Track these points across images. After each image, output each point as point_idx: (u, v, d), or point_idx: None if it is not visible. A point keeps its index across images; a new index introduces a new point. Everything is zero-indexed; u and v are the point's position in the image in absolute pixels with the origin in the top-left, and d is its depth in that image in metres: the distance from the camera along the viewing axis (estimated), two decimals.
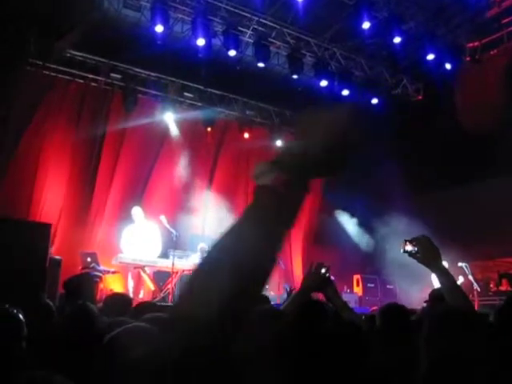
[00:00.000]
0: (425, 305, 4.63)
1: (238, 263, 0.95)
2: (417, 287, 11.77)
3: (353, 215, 14.91)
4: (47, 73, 11.69)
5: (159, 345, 0.96)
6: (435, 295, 3.87)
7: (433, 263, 3.06)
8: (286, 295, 6.11)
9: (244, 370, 2.13)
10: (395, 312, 3.53)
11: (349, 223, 15.04)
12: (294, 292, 4.72)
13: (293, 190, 1.05)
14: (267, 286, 12.19)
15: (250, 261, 0.96)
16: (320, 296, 4.17)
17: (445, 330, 2.41)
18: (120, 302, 4.13)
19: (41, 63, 10.96)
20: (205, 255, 1.00)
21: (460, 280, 9.71)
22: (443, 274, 3.04)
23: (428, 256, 3.06)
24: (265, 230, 0.99)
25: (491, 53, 12.50)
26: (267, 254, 1.00)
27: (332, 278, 4.02)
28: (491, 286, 11.44)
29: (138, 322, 2.27)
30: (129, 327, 1.94)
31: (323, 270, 3.93)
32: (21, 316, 2.54)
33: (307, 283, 3.84)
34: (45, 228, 7.07)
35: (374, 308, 8.51)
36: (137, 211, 10.85)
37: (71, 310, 3.91)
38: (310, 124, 1.07)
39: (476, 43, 12.64)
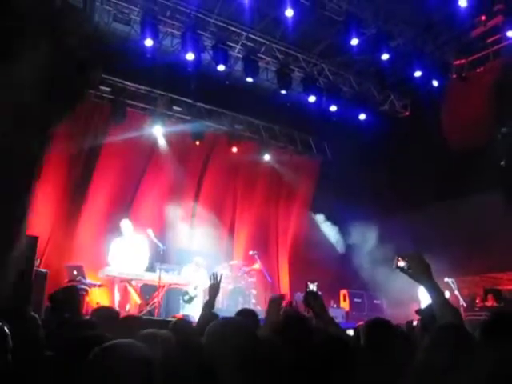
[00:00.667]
0: (412, 320, 4.67)
1: None
2: (404, 302, 11.83)
3: (336, 225, 14.97)
4: None
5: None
6: (425, 313, 3.91)
7: (424, 279, 3.13)
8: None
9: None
10: (379, 327, 3.56)
11: (331, 232, 15.12)
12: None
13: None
14: (254, 301, 12.17)
15: None
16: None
17: (446, 343, 2.45)
18: (107, 315, 4.11)
19: None
20: None
21: (446, 295, 9.73)
22: (434, 290, 3.10)
23: (419, 272, 3.12)
24: None
25: (477, 70, 12.65)
26: None
27: (319, 292, 4.08)
28: (477, 301, 11.47)
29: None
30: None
31: (311, 286, 4.04)
32: (6, 329, 2.53)
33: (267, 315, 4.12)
34: (31, 240, 7.03)
35: (360, 323, 8.51)
36: (126, 224, 10.80)
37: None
38: None
39: (463, 61, 12.80)
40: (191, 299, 11.14)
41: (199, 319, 4.38)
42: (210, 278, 4.61)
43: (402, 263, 3.14)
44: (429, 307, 3.61)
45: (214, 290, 4.62)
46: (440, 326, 2.73)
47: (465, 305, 10.61)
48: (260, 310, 11.55)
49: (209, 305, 4.51)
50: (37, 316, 3.55)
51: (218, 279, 4.59)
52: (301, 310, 5.09)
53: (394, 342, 3.29)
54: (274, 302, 4.23)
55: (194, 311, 10.37)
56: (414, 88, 12.98)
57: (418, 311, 4.21)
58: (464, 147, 11.66)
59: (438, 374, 2.37)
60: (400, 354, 3.04)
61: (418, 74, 12.42)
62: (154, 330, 3.10)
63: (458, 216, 11.92)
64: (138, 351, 1.89)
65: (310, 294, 4.12)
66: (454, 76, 12.84)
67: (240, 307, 11.69)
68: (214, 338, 2.25)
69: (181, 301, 11.12)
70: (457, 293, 10.42)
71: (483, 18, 11.46)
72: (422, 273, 3.12)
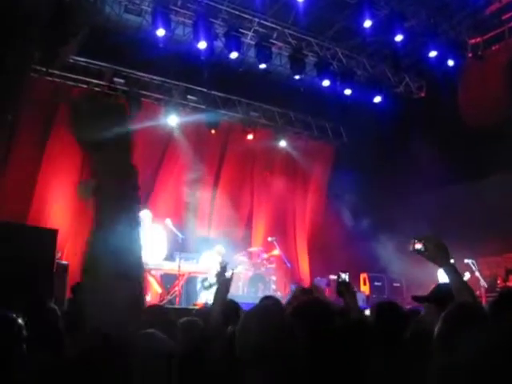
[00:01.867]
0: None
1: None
2: (424, 285, 11.78)
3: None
4: (50, 78, 11.75)
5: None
6: (441, 292, 3.87)
7: (442, 261, 3.10)
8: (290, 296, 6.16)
9: (242, 369, 2.16)
10: (387, 310, 3.58)
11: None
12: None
13: None
14: (274, 287, 12.22)
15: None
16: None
17: (462, 328, 2.44)
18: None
19: (44, 69, 11.02)
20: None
21: (466, 276, 9.69)
22: (452, 272, 3.08)
23: (437, 254, 3.09)
24: None
25: (493, 48, 12.48)
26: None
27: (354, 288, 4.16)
28: (498, 282, 11.40)
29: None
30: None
31: (343, 276, 4.12)
32: (20, 320, 2.58)
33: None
34: (51, 233, 7.12)
35: None
36: (145, 214, 10.87)
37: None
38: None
39: (478, 39, 12.63)
40: (210, 286, 11.18)
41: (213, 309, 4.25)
42: (220, 267, 4.39)
43: (418, 245, 3.10)
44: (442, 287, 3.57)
45: (223, 281, 4.39)
46: (455, 303, 2.71)
47: (486, 285, 10.55)
48: (280, 295, 11.61)
49: (219, 296, 4.32)
50: (56, 308, 3.60)
51: (229, 274, 4.34)
52: (320, 294, 5.12)
53: (399, 322, 3.30)
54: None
55: (212, 298, 10.43)
56: (429, 69, 12.84)
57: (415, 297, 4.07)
58: (481, 127, 11.56)
59: (449, 350, 2.37)
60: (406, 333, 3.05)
61: (432, 54, 12.28)
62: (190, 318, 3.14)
63: (475, 197, 11.82)
64: (160, 343, 1.92)
65: (342, 284, 4.20)
66: (470, 55, 12.69)
67: (260, 294, 11.78)
68: (249, 324, 2.25)
69: (198, 287, 11.18)
70: (477, 274, 10.36)
71: None
72: (439, 255, 3.08)
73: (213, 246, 11.73)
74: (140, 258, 1.08)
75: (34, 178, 11.79)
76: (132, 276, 1.04)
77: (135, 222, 1.06)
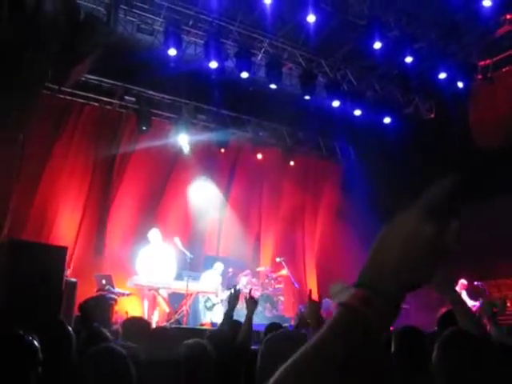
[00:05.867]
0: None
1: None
2: (431, 307, 11.68)
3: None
4: (62, 96, 11.85)
5: None
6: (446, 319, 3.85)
7: (447, 292, 3.13)
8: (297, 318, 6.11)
9: None
10: (410, 335, 3.54)
11: None
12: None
13: (375, 307, 0.91)
14: (281, 307, 12.17)
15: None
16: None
17: (452, 355, 2.43)
18: (138, 326, 4.16)
19: (57, 87, 11.12)
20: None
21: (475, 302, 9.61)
22: (457, 303, 3.11)
23: (443, 286, 3.10)
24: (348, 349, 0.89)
25: (503, 70, 12.49)
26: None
27: None
28: (509, 304, 11.30)
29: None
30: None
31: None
32: (36, 343, 2.57)
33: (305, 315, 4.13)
34: (61, 251, 7.14)
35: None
36: (154, 233, 10.88)
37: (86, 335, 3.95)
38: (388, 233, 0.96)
39: (487, 61, 12.63)
40: (213, 306, 11.18)
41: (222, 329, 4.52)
42: (231, 291, 4.95)
43: None
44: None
45: (232, 301, 5.18)
46: (450, 330, 2.69)
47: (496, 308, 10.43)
48: (287, 317, 11.56)
49: (227, 316, 5.01)
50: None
51: (236, 293, 5.20)
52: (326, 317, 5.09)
53: (423, 351, 3.26)
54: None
55: (215, 318, 10.43)
56: (438, 90, 12.85)
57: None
58: (491, 148, 11.54)
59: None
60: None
61: (442, 75, 12.31)
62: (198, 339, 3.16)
63: (484, 219, 11.76)
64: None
65: None
66: (479, 77, 12.70)
67: (268, 314, 11.75)
68: (272, 350, 2.26)
69: (201, 307, 11.17)
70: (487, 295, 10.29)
71: (508, 16, 11.32)
72: (444, 285, 3.11)
73: (213, 265, 11.77)
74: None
75: (45, 195, 11.84)
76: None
77: None
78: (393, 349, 3.44)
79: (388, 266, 0.92)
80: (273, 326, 4.74)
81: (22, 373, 2.42)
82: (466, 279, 10.24)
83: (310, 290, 4.21)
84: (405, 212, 0.98)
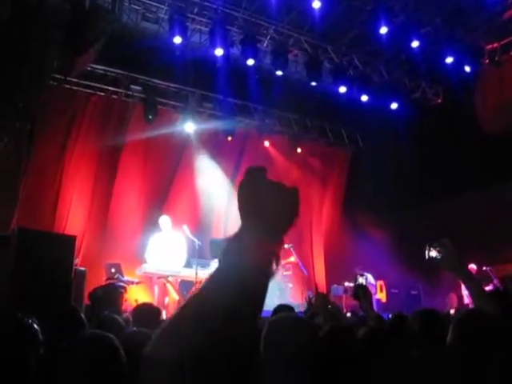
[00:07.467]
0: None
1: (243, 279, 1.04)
2: (441, 293, 11.71)
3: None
4: (68, 86, 11.86)
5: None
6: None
7: (458, 269, 2.99)
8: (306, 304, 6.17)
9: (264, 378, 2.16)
10: (433, 317, 3.52)
11: None
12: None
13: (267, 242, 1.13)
14: (290, 294, 12.20)
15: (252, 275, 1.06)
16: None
17: (466, 336, 2.41)
18: (149, 312, 4.18)
19: (63, 77, 11.12)
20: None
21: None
22: (469, 280, 2.99)
23: (453, 261, 2.96)
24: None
25: (510, 54, 12.40)
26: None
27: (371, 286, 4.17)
28: None
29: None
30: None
31: (360, 280, 4.17)
32: (35, 325, 2.60)
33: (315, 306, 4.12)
34: (70, 240, 7.17)
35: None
36: (164, 220, 10.90)
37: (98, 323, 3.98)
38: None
39: (495, 45, 12.54)
40: None
41: None
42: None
43: (433, 253, 2.95)
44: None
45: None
46: (465, 312, 2.68)
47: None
48: (295, 303, 11.58)
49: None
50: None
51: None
52: (333, 303, 5.13)
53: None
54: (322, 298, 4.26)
55: None
56: (445, 75, 12.76)
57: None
58: (499, 133, 11.48)
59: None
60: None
61: (449, 60, 12.23)
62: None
63: (491, 205, 11.74)
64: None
65: (359, 288, 4.18)
66: (487, 61, 12.61)
67: (277, 301, 11.77)
68: (274, 330, 2.26)
69: None
70: (496, 281, 10.28)
71: None
72: (455, 262, 2.96)
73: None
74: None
75: (54, 185, 11.90)
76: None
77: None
78: (416, 329, 3.40)
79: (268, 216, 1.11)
80: (282, 308, 4.71)
81: (20, 354, 2.44)
82: (476, 264, 10.22)
83: (317, 284, 4.26)
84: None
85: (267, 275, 1.09)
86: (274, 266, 1.11)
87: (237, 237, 1.10)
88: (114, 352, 2.23)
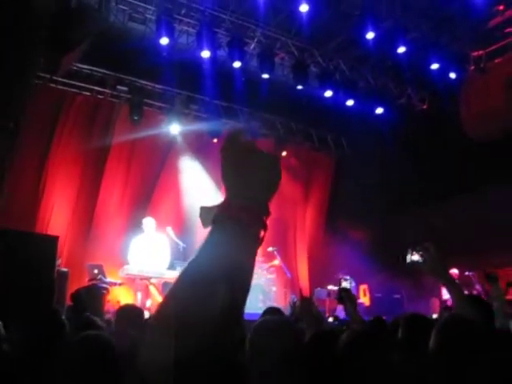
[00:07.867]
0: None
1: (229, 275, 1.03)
2: (424, 297, 11.76)
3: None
4: (54, 86, 11.78)
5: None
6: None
7: (440, 273, 3.00)
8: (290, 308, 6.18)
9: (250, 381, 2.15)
10: (420, 323, 3.51)
11: None
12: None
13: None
14: (273, 297, 12.19)
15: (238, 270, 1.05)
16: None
17: (447, 341, 2.42)
18: (132, 313, 4.14)
19: (48, 76, 11.04)
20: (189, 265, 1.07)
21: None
22: (451, 285, 3.00)
23: (435, 266, 2.96)
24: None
25: (496, 61, 12.50)
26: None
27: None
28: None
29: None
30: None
31: (344, 284, 4.20)
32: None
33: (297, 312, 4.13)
34: (52, 240, 7.11)
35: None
36: (148, 222, 10.85)
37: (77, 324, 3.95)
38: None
39: (480, 52, 12.64)
40: None
41: None
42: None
43: (415, 257, 2.95)
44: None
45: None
46: (449, 316, 2.68)
47: (485, 299, 10.50)
48: (278, 306, 11.53)
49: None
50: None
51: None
52: (316, 306, 5.13)
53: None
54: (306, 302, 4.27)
55: None
56: (431, 81, 12.84)
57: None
58: (483, 139, 11.57)
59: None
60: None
61: (435, 66, 12.31)
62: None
63: (475, 210, 11.81)
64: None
65: (343, 291, 4.19)
66: (472, 67, 12.71)
67: (260, 304, 11.75)
68: (260, 334, 2.24)
69: None
70: (478, 287, 10.34)
71: (501, 7, 11.31)
72: (437, 266, 2.96)
73: None
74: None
75: (37, 185, 11.79)
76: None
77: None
78: (400, 335, 3.39)
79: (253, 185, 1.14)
80: (271, 311, 4.69)
81: None
82: (458, 269, 10.29)
83: (301, 289, 4.28)
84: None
85: (256, 247, 1.11)
86: (263, 235, 1.14)
87: (226, 206, 1.13)
88: (108, 353, 2.22)
